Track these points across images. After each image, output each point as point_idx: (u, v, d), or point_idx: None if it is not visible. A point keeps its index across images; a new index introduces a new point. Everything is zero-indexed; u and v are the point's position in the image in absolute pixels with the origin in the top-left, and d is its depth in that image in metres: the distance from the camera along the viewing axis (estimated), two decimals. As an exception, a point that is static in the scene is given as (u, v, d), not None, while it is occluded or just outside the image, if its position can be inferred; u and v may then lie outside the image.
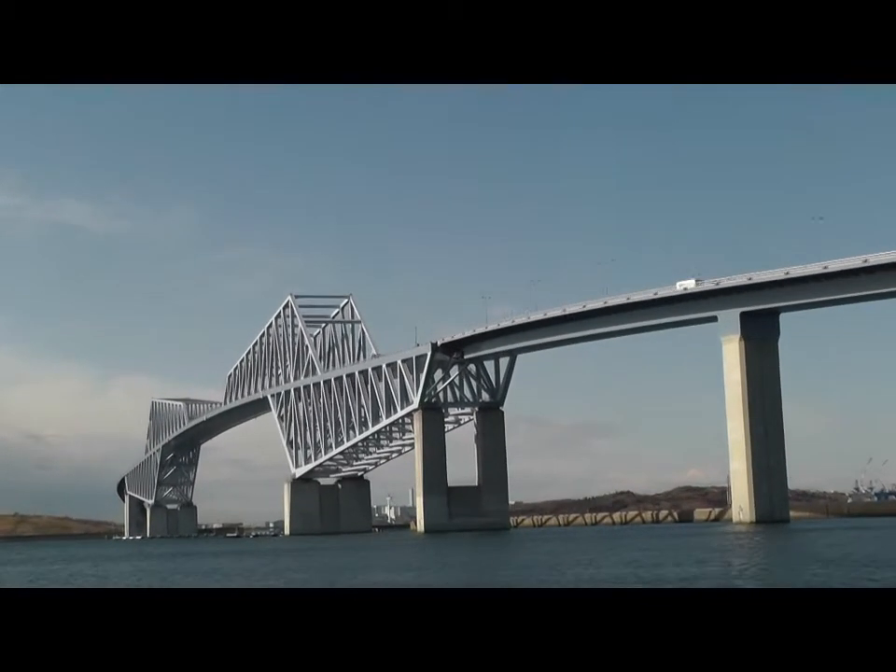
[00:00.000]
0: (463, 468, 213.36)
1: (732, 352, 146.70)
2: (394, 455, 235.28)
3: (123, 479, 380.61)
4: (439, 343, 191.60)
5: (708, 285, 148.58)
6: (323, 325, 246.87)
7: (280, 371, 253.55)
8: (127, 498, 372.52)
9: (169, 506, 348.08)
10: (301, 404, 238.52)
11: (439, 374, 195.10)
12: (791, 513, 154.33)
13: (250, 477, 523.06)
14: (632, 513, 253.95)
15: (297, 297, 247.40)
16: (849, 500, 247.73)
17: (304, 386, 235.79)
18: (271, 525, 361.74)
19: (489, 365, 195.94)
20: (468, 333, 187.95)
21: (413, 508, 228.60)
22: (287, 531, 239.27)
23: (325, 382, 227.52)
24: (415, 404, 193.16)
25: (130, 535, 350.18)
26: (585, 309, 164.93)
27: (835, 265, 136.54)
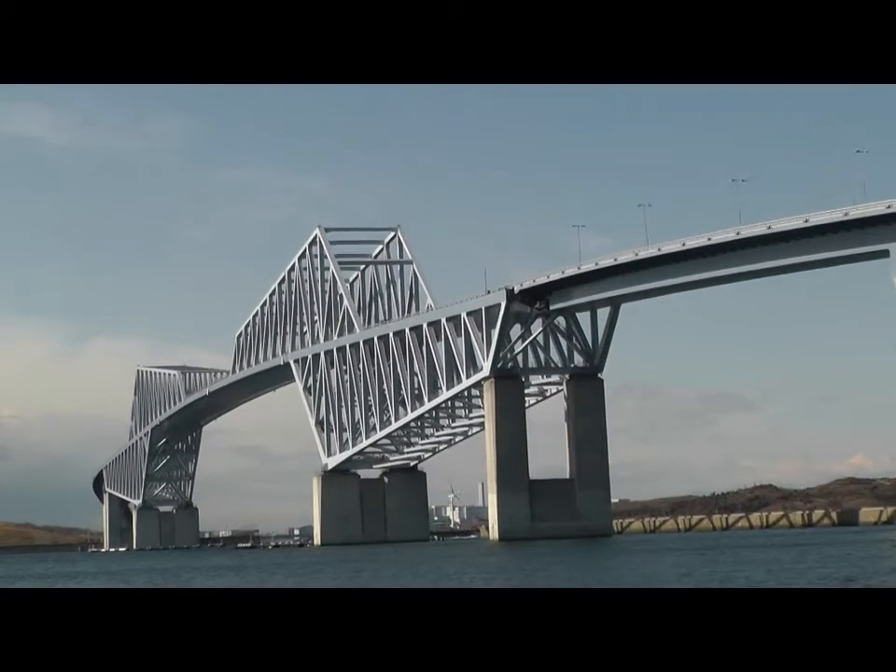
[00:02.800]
0: (550, 455, 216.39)
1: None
2: (458, 439, 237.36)
3: (101, 473, 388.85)
4: (516, 290, 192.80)
5: (877, 208, 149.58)
6: (362, 267, 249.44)
7: (306, 329, 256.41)
8: (106, 498, 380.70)
9: (162, 508, 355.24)
10: (334, 372, 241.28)
11: (516, 331, 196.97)
12: None
13: (268, 469, 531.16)
14: (775, 514, 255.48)
15: (327, 230, 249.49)
16: None
17: (338, 349, 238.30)
18: (296, 532, 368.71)
19: (583, 318, 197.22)
20: (554, 276, 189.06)
21: (484, 508, 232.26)
22: (317, 540, 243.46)
23: (366, 342, 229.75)
24: (486, 371, 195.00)
25: (111, 546, 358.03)
26: (711, 242, 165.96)
27: None
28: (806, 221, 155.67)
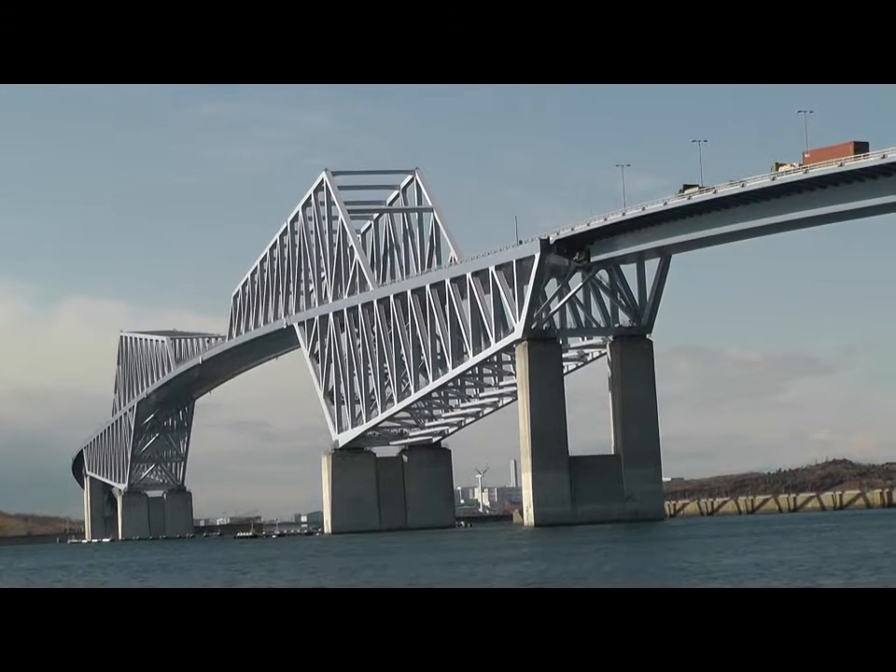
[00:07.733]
0: (592, 428, 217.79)
1: None
2: (486, 411, 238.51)
3: (81, 453, 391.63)
4: (552, 240, 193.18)
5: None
6: (375, 216, 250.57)
7: (312, 288, 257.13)
8: (87, 483, 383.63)
9: (150, 493, 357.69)
10: (344, 336, 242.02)
11: (552, 287, 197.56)
12: None
13: (270, 448, 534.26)
14: (850, 493, 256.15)
15: (335, 174, 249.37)
16: None
17: (349, 309, 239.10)
18: (303, 518, 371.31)
19: (629, 271, 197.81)
20: (595, 224, 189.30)
21: (518, 490, 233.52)
22: (327, 528, 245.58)
23: (380, 301, 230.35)
24: (518, 333, 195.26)
25: (93, 536, 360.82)
26: (775, 183, 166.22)
27: None
28: (884, 157, 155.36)
